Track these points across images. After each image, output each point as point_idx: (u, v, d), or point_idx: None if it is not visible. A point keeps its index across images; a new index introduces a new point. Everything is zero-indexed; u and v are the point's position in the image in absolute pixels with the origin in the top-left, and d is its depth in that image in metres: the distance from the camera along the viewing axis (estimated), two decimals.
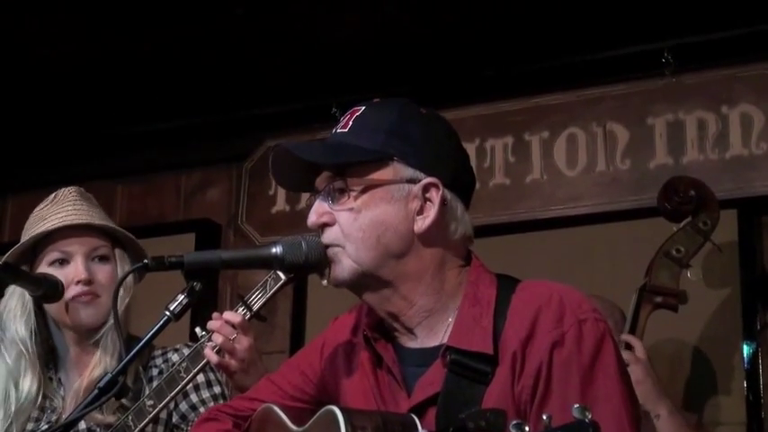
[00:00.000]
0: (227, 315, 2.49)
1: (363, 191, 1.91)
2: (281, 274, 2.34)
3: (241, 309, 2.50)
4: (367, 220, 1.90)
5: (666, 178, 3.51)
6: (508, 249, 3.87)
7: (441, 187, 1.92)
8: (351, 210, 1.91)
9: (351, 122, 1.96)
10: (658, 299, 3.15)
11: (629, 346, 3.00)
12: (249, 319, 2.48)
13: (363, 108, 1.98)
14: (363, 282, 1.93)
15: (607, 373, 1.79)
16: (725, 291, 3.73)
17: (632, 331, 3.06)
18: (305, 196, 4.47)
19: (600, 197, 4.02)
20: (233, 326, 2.47)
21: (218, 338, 2.46)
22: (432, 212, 1.91)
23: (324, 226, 1.94)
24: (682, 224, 3.26)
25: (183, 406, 2.70)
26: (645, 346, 3.03)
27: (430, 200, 1.92)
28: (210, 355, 2.46)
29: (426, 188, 1.92)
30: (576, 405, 1.29)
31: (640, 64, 3.99)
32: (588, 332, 1.80)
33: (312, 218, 1.95)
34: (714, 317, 3.73)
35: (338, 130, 1.97)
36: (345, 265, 1.92)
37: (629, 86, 4.06)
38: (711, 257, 3.46)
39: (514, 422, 1.32)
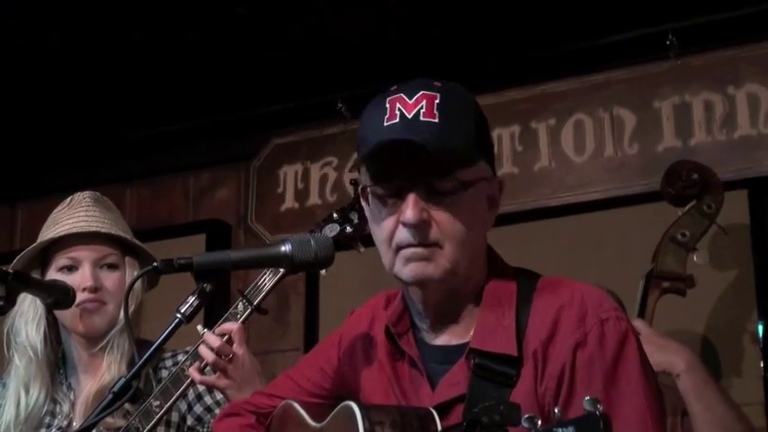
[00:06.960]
0: (226, 326, 2.46)
1: (463, 188, 1.85)
2: None
3: (242, 303, 2.48)
4: (466, 221, 1.85)
5: (675, 161, 3.49)
6: (518, 238, 3.86)
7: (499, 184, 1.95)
8: (451, 209, 1.85)
9: (435, 111, 1.82)
10: (666, 284, 3.13)
11: None
12: (250, 312, 2.46)
13: (438, 94, 1.84)
14: (449, 282, 1.87)
15: (630, 371, 1.77)
16: (735, 272, 3.72)
17: (641, 316, 3.05)
18: (313, 193, 4.55)
19: (609, 182, 4.01)
20: (230, 339, 2.43)
21: (208, 356, 2.44)
22: (496, 210, 1.93)
23: (423, 223, 1.85)
24: (686, 208, 3.24)
25: (198, 408, 2.69)
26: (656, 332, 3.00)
27: (495, 197, 1.93)
28: (195, 375, 2.46)
29: (497, 186, 1.94)
30: (587, 397, 1.28)
31: (644, 47, 3.97)
32: (610, 331, 1.79)
33: (414, 214, 1.83)
34: (725, 299, 3.72)
35: (422, 119, 1.82)
36: (440, 265, 1.85)
37: (634, 70, 4.05)
38: (719, 240, 3.44)
39: (527, 416, 1.32)
